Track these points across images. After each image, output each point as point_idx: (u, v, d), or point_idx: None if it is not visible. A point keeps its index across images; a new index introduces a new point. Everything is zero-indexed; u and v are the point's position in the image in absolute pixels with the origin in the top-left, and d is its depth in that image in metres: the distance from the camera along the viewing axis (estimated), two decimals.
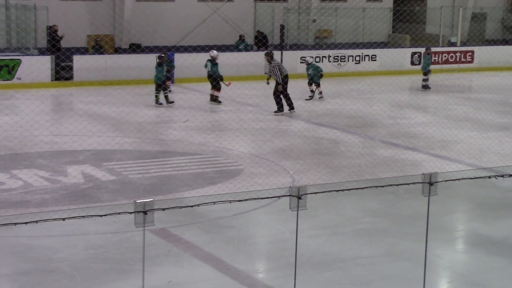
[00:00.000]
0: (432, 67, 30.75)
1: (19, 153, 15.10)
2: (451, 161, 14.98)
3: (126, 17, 29.35)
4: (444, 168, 14.05)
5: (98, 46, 27.07)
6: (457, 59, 31.57)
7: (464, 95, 24.83)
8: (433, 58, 31.15)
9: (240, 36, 30.24)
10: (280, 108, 20.11)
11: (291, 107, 20.25)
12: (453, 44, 33.62)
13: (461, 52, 31.83)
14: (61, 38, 26.04)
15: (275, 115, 19.96)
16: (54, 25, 26.89)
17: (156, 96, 21.03)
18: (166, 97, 21.00)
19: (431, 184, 7.33)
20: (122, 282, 8.68)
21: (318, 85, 22.93)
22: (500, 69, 31.55)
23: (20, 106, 20.25)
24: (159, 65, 21.01)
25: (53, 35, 26.51)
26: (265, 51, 22.11)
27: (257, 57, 27.24)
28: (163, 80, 20.99)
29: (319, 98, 22.80)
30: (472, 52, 32.05)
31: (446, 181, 7.92)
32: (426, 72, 25.50)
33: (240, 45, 29.60)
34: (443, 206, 11.36)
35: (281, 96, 20.13)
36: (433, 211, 7.74)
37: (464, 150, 15.83)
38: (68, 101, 22.41)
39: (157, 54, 21.58)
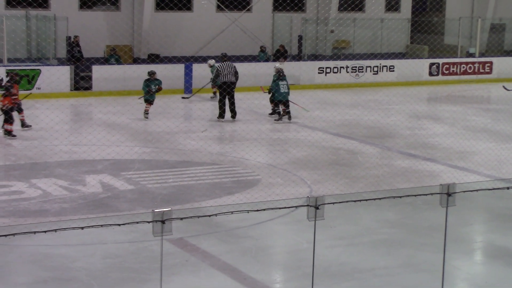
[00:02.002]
0: (450, 78, 30.77)
1: (39, 162, 15.21)
2: (469, 172, 14.93)
3: (145, 27, 29.50)
4: (462, 179, 14.00)
5: (116, 56, 27.18)
6: (476, 70, 31.45)
7: (483, 106, 24.72)
8: (451, 69, 31.08)
9: (261, 47, 30.19)
10: (221, 114, 20.46)
11: (220, 114, 20.46)
12: (471, 55, 33.49)
13: (479, 63, 31.71)
14: (74, 43, 26.28)
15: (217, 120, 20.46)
16: (76, 36, 27.05)
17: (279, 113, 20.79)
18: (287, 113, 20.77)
19: (449, 195, 7.31)
20: None
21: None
22: None
23: (40, 115, 20.38)
24: (281, 80, 20.86)
25: (73, 45, 26.66)
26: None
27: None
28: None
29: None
30: (491, 63, 31.91)
31: (464, 192, 7.91)
32: None
33: (261, 56, 29.51)
34: (461, 217, 11.32)
35: (232, 101, 20.55)
36: (451, 222, 7.72)
37: (483, 161, 15.77)
38: (87, 111, 22.54)
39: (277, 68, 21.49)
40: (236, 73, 20.78)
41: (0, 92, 18.17)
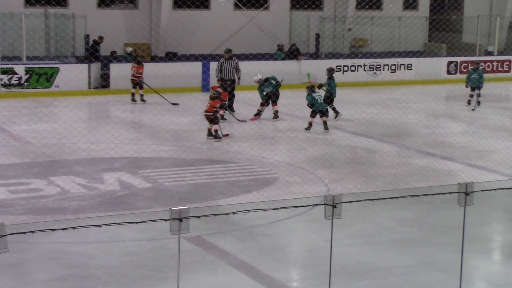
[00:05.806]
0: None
1: (57, 160, 15.29)
2: (488, 171, 14.85)
3: (163, 26, 29.58)
4: (480, 178, 13.94)
5: (134, 55, 27.16)
6: (494, 69, 31.27)
7: (501, 104, 24.56)
8: (470, 67, 30.90)
9: (279, 45, 30.13)
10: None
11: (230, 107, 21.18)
12: (490, 53, 33.31)
13: (498, 61, 31.54)
14: (99, 42, 26.39)
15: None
16: (100, 37, 26.95)
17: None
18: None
19: (467, 194, 7.28)
20: None
21: None
22: None
23: (58, 113, 20.49)
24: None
25: (96, 47, 26.61)
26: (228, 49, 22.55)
27: (292, 66, 27.29)
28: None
29: None
30: (510, 61, 31.73)
31: (482, 191, 7.87)
32: (474, 88, 23.46)
33: (278, 55, 29.46)
34: (479, 216, 11.27)
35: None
36: (469, 221, 7.69)
37: (501, 160, 15.68)
38: (105, 108, 22.62)
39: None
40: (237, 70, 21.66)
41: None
